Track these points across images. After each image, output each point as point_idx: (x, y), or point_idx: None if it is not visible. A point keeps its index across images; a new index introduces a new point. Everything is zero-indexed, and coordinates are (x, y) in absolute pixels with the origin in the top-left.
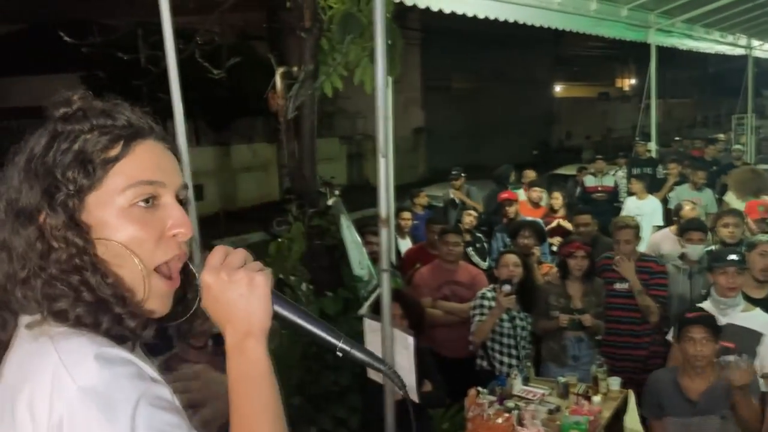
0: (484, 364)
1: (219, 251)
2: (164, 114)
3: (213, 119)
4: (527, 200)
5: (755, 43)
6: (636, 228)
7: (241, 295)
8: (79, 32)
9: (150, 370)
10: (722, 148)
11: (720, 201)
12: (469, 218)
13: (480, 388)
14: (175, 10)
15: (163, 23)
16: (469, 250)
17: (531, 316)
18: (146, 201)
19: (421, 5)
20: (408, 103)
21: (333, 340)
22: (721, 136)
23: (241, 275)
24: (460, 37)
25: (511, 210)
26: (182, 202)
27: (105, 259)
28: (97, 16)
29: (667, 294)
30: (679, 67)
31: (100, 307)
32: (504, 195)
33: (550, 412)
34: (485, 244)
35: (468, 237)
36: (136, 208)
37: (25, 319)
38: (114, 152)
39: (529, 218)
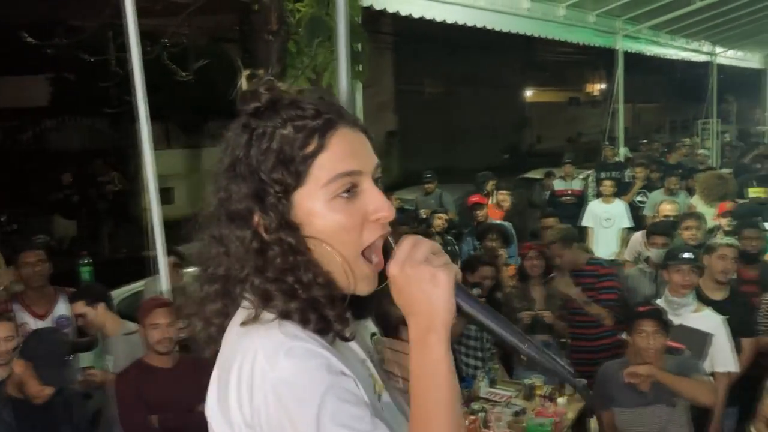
0: None
1: (407, 242)
2: (132, 115)
3: (184, 121)
4: (494, 204)
5: (718, 49)
6: (566, 238)
7: (423, 290)
8: (45, 33)
9: (339, 364)
10: (688, 152)
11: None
12: (439, 221)
13: None
14: (143, 12)
15: (127, 24)
16: None
17: None
18: (347, 191)
19: (390, 9)
20: (381, 106)
21: (517, 342)
22: (687, 140)
23: (424, 270)
24: (433, 41)
25: (480, 213)
26: (377, 181)
27: (316, 257)
28: (63, 17)
29: (617, 296)
30: (647, 72)
31: (310, 307)
32: (473, 199)
33: (516, 414)
34: (455, 247)
35: (438, 240)
36: (338, 199)
37: (242, 312)
38: (311, 147)
39: (496, 221)
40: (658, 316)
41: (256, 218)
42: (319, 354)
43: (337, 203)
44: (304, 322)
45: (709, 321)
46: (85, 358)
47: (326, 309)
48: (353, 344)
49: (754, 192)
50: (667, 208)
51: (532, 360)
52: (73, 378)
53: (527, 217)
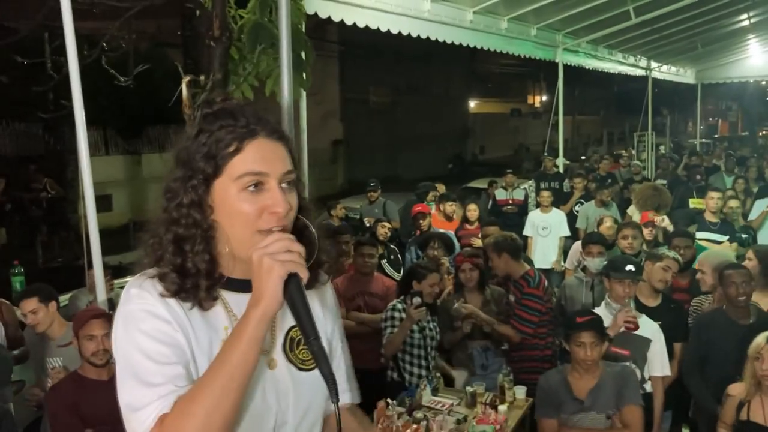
0: (395, 375)
1: (271, 237)
2: (69, 120)
3: (123, 127)
4: (440, 213)
5: (654, 64)
6: (498, 245)
7: (260, 275)
8: None
9: (167, 315)
10: (626, 163)
11: (623, 215)
12: (383, 230)
13: (389, 400)
14: (81, 15)
15: (64, 26)
16: (384, 262)
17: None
18: (254, 186)
19: (336, 18)
20: (326, 115)
21: (309, 334)
22: (624, 152)
23: (266, 261)
24: (379, 51)
25: (424, 223)
26: (291, 184)
27: (215, 236)
28: None
29: (533, 317)
30: (588, 85)
31: (189, 274)
32: (417, 208)
33: (458, 421)
34: (399, 256)
35: (382, 249)
36: (246, 191)
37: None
38: (231, 149)
39: (440, 230)
40: (596, 327)
41: (182, 197)
42: (150, 305)
43: (244, 194)
44: (167, 287)
45: (646, 327)
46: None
47: (201, 278)
48: (221, 313)
49: (694, 203)
50: (607, 226)
51: (310, 348)
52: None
53: None
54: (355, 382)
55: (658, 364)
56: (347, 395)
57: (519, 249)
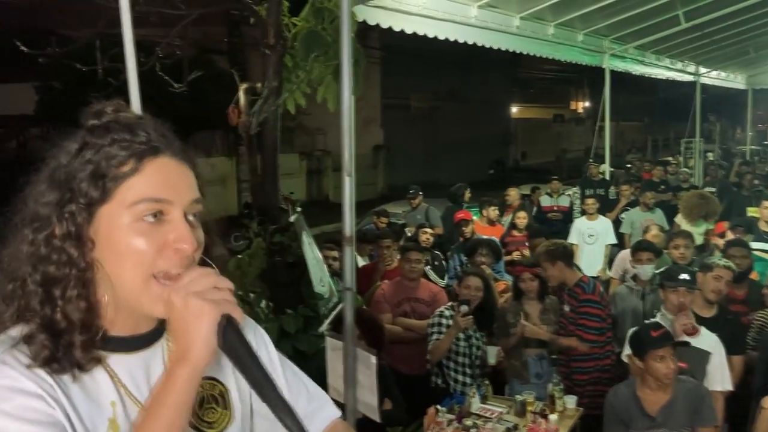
0: (439, 381)
1: (193, 272)
2: None
3: (176, 132)
4: (483, 219)
5: (702, 70)
6: (552, 253)
7: (185, 321)
8: (37, 42)
9: (32, 386)
10: (673, 170)
11: (671, 222)
12: (425, 236)
13: (438, 407)
14: (136, 22)
15: (124, 35)
16: (428, 268)
17: (490, 335)
18: (153, 216)
19: (384, 25)
20: (368, 120)
21: (270, 393)
22: (672, 159)
23: (192, 302)
24: (419, 56)
25: (467, 230)
26: (197, 216)
27: (96, 278)
28: (56, 26)
29: (595, 323)
30: (632, 91)
31: (60, 330)
32: (459, 215)
33: (508, 430)
34: (443, 263)
35: (426, 255)
36: (142, 222)
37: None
38: (126, 168)
39: (485, 237)
40: (671, 339)
41: (54, 226)
42: (13, 379)
43: (139, 225)
44: (35, 354)
45: (706, 339)
46: None
47: (75, 335)
48: (105, 383)
49: (752, 211)
50: (653, 234)
51: (269, 404)
52: None
53: None
54: (322, 390)
55: (719, 377)
56: (330, 410)
57: (572, 256)
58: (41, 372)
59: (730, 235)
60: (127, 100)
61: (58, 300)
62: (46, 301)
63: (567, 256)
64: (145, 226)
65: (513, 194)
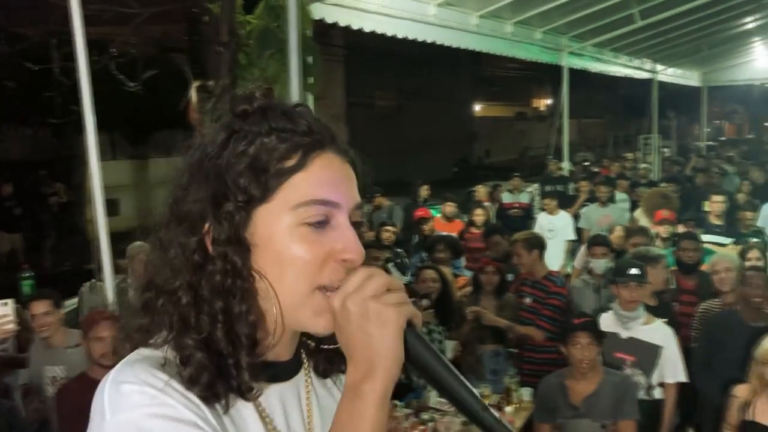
0: (402, 376)
1: (359, 274)
2: (77, 126)
3: (130, 132)
4: (441, 216)
5: (659, 67)
6: (531, 242)
7: (365, 330)
8: None
9: (190, 414)
10: (631, 166)
11: (631, 217)
12: (387, 234)
13: (396, 401)
14: (90, 21)
15: (74, 33)
16: (390, 265)
17: (450, 329)
18: (318, 222)
19: (342, 23)
20: (332, 119)
21: (474, 406)
22: (630, 155)
23: (370, 307)
24: (384, 55)
25: (426, 227)
26: (355, 224)
27: (257, 289)
28: (5, 24)
29: (557, 316)
30: (592, 89)
31: (222, 351)
32: (419, 213)
33: (464, 423)
34: (405, 260)
35: (388, 253)
36: (305, 227)
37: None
38: (290, 163)
39: (444, 233)
40: (592, 328)
41: (206, 226)
42: (167, 406)
43: (302, 231)
44: (192, 378)
45: (660, 332)
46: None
47: (242, 354)
48: (251, 421)
49: (706, 205)
50: (617, 235)
51: (482, 425)
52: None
53: None
54: None
55: (672, 369)
56: None
57: (545, 248)
58: (195, 399)
59: (681, 228)
60: (79, 99)
61: (219, 315)
62: (208, 316)
63: (542, 247)
64: (309, 232)
65: (481, 191)
